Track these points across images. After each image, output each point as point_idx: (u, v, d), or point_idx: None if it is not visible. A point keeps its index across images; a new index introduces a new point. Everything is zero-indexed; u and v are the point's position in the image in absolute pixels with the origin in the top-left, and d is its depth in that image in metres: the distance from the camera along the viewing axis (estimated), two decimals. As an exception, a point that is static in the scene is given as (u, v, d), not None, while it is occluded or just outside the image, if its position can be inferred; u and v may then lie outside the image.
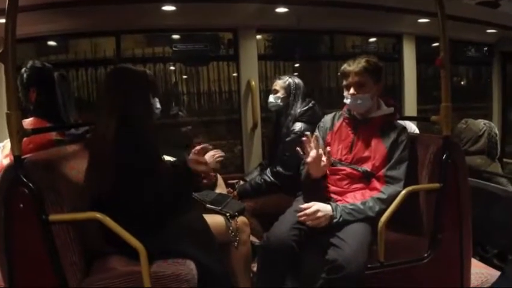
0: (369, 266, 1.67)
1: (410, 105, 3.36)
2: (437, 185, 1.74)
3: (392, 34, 3.39)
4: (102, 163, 1.53)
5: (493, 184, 2.53)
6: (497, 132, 2.80)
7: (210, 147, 1.78)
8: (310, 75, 4.22)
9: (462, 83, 4.84)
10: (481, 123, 2.77)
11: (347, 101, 1.86)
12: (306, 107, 2.36)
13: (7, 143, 1.84)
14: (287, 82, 2.42)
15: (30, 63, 1.96)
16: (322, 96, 4.09)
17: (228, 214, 1.86)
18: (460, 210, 1.80)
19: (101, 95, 1.79)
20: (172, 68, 3.56)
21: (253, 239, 2.12)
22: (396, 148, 1.78)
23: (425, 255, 1.77)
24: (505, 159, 3.78)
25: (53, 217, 1.34)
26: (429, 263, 1.77)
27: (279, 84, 2.44)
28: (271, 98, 2.45)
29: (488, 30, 3.49)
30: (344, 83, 1.87)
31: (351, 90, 1.82)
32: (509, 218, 2.26)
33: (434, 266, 1.77)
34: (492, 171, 2.68)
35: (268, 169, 2.40)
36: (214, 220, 1.76)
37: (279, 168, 2.32)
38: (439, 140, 1.78)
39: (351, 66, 1.82)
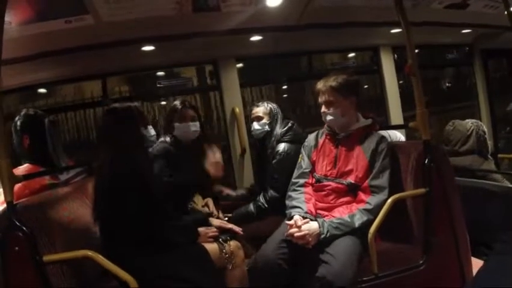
0: (364, 279, 1.65)
1: (395, 113, 3.39)
2: (422, 190, 1.74)
3: (369, 47, 3.46)
4: (101, 190, 1.62)
5: (488, 182, 2.51)
6: (485, 130, 2.77)
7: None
8: (299, 94, 4.28)
9: (448, 84, 4.87)
10: (468, 123, 2.75)
11: (323, 117, 1.92)
12: (287, 127, 2.36)
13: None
14: (268, 107, 2.43)
15: (24, 111, 2.02)
16: (310, 113, 4.14)
17: (220, 239, 1.87)
18: (450, 211, 1.78)
19: (99, 137, 2.05)
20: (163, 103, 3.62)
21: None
22: (377, 157, 1.80)
23: (421, 262, 1.75)
24: (499, 155, 3.74)
25: (46, 258, 1.39)
26: (426, 269, 1.74)
27: (261, 111, 2.43)
28: (257, 125, 2.42)
29: (464, 31, 3.53)
30: (319, 100, 1.93)
31: (323, 108, 1.89)
32: (509, 213, 2.24)
33: (431, 271, 1.74)
34: (485, 168, 2.65)
35: (261, 195, 2.34)
36: (207, 245, 1.76)
37: (272, 192, 2.28)
38: (420, 145, 1.79)
39: (320, 86, 1.88)
